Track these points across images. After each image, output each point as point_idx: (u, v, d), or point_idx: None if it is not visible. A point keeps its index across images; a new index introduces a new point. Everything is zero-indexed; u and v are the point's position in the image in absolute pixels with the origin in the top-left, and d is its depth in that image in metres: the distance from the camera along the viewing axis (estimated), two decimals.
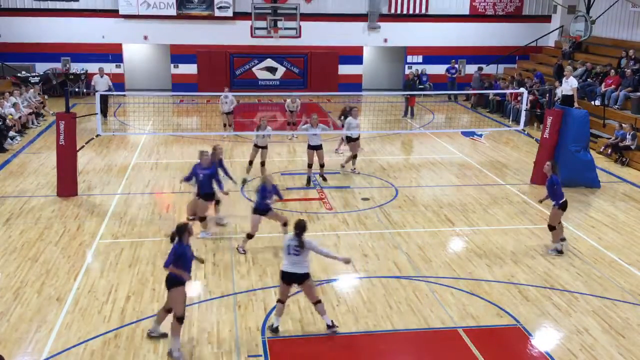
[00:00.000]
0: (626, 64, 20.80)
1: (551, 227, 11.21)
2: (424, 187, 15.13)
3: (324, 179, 15.16)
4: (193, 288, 9.67)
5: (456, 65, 27.86)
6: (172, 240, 7.80)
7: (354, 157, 15.88)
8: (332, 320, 8.52)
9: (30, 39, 26.26)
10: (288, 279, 8.29)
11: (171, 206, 13.43)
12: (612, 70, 20.99)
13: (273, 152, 17.83)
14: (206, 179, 11.36)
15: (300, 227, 8.24)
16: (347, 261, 8.72)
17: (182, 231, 7.74)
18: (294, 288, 8.49)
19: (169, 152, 17.95)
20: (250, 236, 10.98)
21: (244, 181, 14.47)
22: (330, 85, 27.58)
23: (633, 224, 12.90)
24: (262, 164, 15.25)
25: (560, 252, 11.23)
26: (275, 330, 8.44)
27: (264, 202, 10.85)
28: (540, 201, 11.86)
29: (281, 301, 8.44)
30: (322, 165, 15.09)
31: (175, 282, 7.76)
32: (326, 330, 8.45)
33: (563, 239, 11.34)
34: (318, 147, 14.92)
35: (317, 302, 8.41)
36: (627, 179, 16.15)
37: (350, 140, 15.76)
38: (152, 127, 21.02)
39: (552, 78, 23.16)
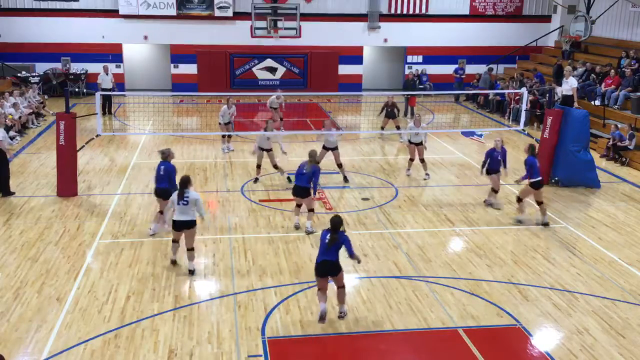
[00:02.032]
0: (628, 63, 20.80)
1: (519, 200, 12.74)
2: (424, 187, 15.13)
3: (346, 179, 15.12)
4: (194, 288, 9.70)
5: (464, 66, 27.91)
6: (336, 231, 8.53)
7: (415, 160, 15.70)
8: (194, 268, 10.12)
9: (30, 39, 26.25)
10: (179, 226, 9.97)
11: None
12: (612, 71, 20.98)
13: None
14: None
15: (185, 182, 9.86)
16: (201, 218, 10.13)
17: (340, 223, 8.60)
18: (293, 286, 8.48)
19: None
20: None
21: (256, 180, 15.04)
22: (330, 85, 27.59)
23: (633, 224, 12.90)
24: (275, 166, 14.88)
25: (520, 222, 12.67)
26: (175, 261, 10.37)
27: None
28: (517, 182, 13.21)
29: (175, 241, 10.24)
30: (339, 166, 15.07)
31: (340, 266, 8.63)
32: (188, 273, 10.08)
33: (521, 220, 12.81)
34: (334, 148, 14.92)
35: (192, 249, 10.08)
36: (627, 179, 16.15)
37: (411, 144, 15.64)
38: (152, 127, 21.02)
39: (552, 78, 23.16)
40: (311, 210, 11.98)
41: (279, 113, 20.22)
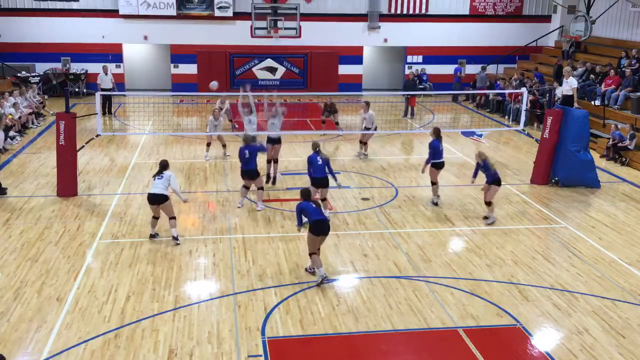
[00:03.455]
0: (628, 63, 20.80)
1: (432, 183, 13.62)
2: (424, 187, 15.11)
3: (274, 181, 14.94)
4: (194, 288, 9.71)
5: (464, 67, 27.91)
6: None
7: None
8: (177, 234, 11.24)
9: (30, 39, 26.26)
10: (152, 199, 11.08)
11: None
12: (612, 71, 20.97)
13: None
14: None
15: (164, 165, 11.23)
16: (185, 200, 11.79)
17: (308, 194, 10.09)
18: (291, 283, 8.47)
19: (169, 152, 17.96)
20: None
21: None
22: (330, 85, 27.58)
23: (633, 224, 12.90)
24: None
25: (435, 204, 13.58)
26: (154, 235, 11.40)
27: None
28: (423, 171, 13.83)
29: (155, 217, 11.33)
30: (275, 161, 14.95)
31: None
32: (172, 241, 11.21)
33: (438, 196, 13.73)
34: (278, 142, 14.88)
35: (172, 217, 11.24)
36: (627, 179, 16.15)
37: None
38: (152, 127, 21.02)
39: (552, 78, 23.17)
40: (324, 199, 12.67)
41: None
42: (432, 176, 13.59)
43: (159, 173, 11.18)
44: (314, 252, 9.81)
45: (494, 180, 12.48)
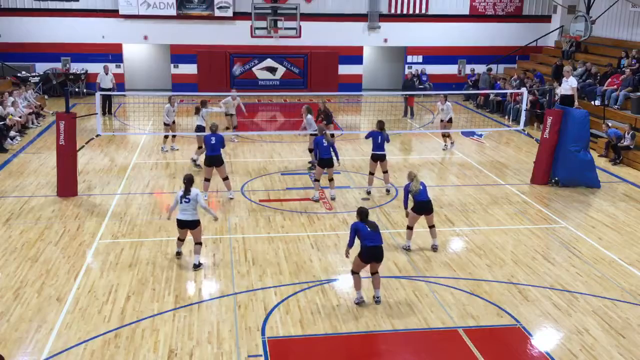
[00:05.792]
0: (628, 63, 20.79)
1: (370, 174, 14.21)
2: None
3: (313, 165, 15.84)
4: (193, 288, 9.71)
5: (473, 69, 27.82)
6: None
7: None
8: (199, 262, 10.33)
9: (30, 39, 26.26)
10: (183, 225, 10.18)
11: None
12: (620, 70, 20.93)
13: (273, 152, 17.83)
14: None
15: (189, 180, 10.11)
16: (215, 218, 10.92)
17: (366, 213, 9.15)
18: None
19: (169, 152, 17.94)
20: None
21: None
22: (330, 85, 27.60)
23: (633, 224, 12.90)
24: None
25: (368, 193, 14.28)
26: (180, 252, 10.65)
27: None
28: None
29: (181, 239, 10.51)
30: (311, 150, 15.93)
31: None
32: (193, 269, 10.27)
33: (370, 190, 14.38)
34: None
35: (199, 243, 10.31)
36: (627, 179, 16.15)
37: None
38: (152, 127, 21.02)
39: (551, 78, 23.17)
40: (331, 179, 13.91)
41: (235, 119, 18.99)
42: (370, 167, 14.13)
43: (186, 194, 9.97)
44: (355, 272, 9.20)
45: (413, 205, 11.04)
